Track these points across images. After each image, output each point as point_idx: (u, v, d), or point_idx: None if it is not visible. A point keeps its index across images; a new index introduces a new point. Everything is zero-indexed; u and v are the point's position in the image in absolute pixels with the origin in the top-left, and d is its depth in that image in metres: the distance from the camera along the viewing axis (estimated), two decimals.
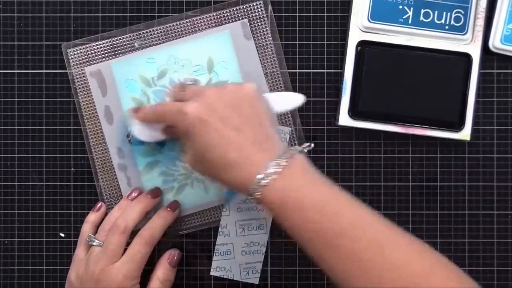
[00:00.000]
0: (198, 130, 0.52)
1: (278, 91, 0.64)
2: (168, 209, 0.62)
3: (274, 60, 0.64)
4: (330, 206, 0.50)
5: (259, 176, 0.50)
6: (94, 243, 0.60)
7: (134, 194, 0.63)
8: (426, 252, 0.49)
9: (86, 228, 0.62)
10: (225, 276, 0.63)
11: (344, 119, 0.63)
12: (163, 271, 0.62)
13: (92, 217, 0.63)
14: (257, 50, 0.64)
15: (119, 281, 0.57)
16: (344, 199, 0.51)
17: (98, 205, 0.64)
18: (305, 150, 0.53)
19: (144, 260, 0.59)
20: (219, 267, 0.62)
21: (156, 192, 0.63)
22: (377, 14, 0.63)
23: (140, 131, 0.61)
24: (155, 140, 0.61)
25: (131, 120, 0.62)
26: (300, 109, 0.64)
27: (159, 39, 0.64)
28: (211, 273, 0.62)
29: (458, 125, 0.63)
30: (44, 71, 0.65)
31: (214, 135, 0.52)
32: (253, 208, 0.63)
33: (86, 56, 0.64)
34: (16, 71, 0.65)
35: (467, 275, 0.49)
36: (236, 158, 0.51)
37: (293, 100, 0.59)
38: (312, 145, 0.55)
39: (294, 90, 0.64)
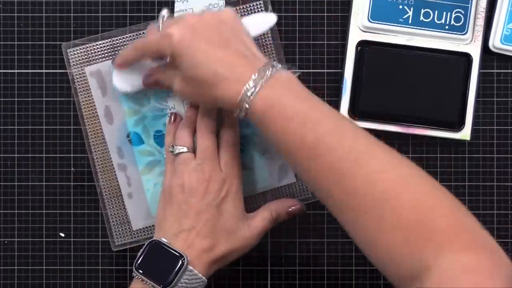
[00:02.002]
0: (185, 51, 0.53)
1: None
2: None
3: (274, 60, 0.64)
4: (311, 115, 0.51)
5: (246, 87, 0.51)
6: (183, 150, 0.59)
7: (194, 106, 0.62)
8: (402, 163, 0.50)
9: (169, 140, 0.61)
10: None
11: None
12: (278, 209, 0.60)
13: (172, 128, 0.62)
14: None
15: (229, 186, 0.57)
16: (325, 108, 0.52)
17: (173, 116, 0.62)
18: (293, 72, 0.55)
19: (239, 161, 0.59)
20: None
21: None
22: (377, 14, 0.63)
23: (121, 80, 0.61)
24: (136, 89, 0.61)
25: (112, 72, 0.62)
26: None
27: None
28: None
29: (458, 125, 0.63)
30: (44, 71, 0.65)
31: (200, 54, 0.53)
32: None
33: (86, 56, 0.64)
34: (16, 71, 0.65)
35: (444, 188, 0.49)
36: (223, 72, 0.53)
37: (266, 21, 0.61)
38: (298, 73, 0.57)
39: None
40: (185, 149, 0.58)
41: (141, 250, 0.56)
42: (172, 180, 0.58)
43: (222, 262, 0.57)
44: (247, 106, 0.52)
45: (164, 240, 0.56)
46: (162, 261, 0.55)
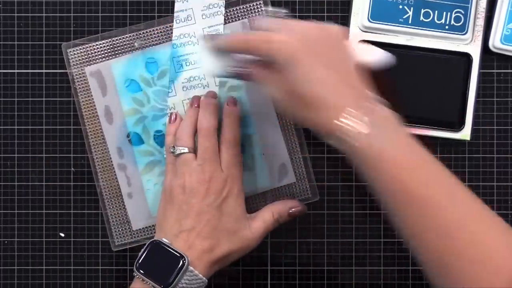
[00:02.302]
0: (290, 62, 0.50)
1: None
2: (231, 105, 0.61)
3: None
4: (421, 171, 0.49)
5: (346, 118, 0.49)
6: (184, 150, 0.58)
7: (195, 104, 0.61)
8: (507, 231, 0.49)
9: (170, 140, 0.61)
10: None
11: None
12: (279, 210, 0.60)
13: (172, 128, 0.61)
14: None
15: (230, 186, 0.57)
16: (435, 167, 0.50)
17: (173, 116, 0.62)
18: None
19: (241, 162, 0.59)
20: None
21: (214, 93, 0.62)
22: (377, 14, 0.63)
23: (213, 63, 0.57)
24: (226, 75, 0.58)
25: (203, 51, 0.59)
26: None
27: (159, 39, 0.64)
28: None
29: (458, 125, 0.63)
30: (44, 71, 0.65)
31: (306, 69, 0.50)
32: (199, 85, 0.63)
33: (86, 56, 0.64)
34: (16, 71, 0.65)
35: None
36: (327, 96, 0.50)
37: (378, 54, 0.58)
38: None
39: None
40: (186, 150, 0.58)
41: (142, 250, 0.56)
42: (173, 180, 0.58)
43: (223, 263, 0.57)
44: (350, 140, 0.49)
45: (165, 240, 0.56)
46: (162, 261, 0.55)
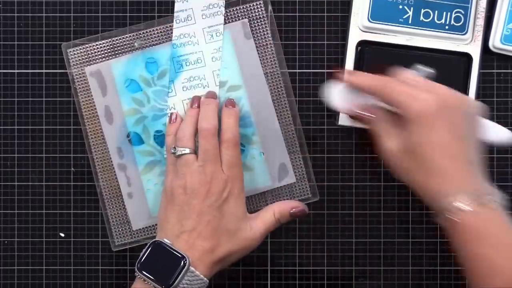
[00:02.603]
0: (423, 123, 0.51)
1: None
2: (230, 106, 0.61)
3: (274, 60, 0.64)
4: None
5: (460, 197, 0.50)
6: (185, 151, 0.58)
7: (195, 105, 0.61)
8: None
9: (170, 141, 0.61)
10: None
11: (344, 119, 0.63)
12: (280, 211, 0.60)
13: (173, 129, 0.61)
14: (257, 50, 0.64)
15: (231, 187, 0.57)
16: None
17: (173, 116, 0.62)
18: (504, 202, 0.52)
19: (240, 162, 0.59)
20: None
21: (214, 93, 0.62)
22: (377, 14, 0.63)
23: (339, 95, 0.58)
24: (343, 110, 0.59)
25: (330, 84, 0.59)
26: (300, 109, 0.64)
27: (159, 39, 0.64)
28: None
29: None
30: (44, 71, 0.65)
31: (438, 135, 0.51)
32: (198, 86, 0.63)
33: (86, 56, 0.64)
34: (16, 71, 0.65)
35: None
36: (447, 167, 0.50)
37: (502, 134, 0.58)
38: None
39: (294, 90, 0.64)
40: (187, 151, 0.58)
41: (144, 251, 0.56)
42: (173, 181, 0.58)
43: (224, 263, 0.57)
44: (455, 217, 0.50)
45: (166, 241, 0.56)
46: (164, 261, 0.55)
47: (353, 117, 0.60)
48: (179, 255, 0.55)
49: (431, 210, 0.52)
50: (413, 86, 0.53)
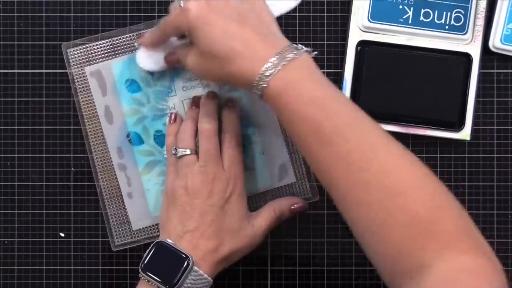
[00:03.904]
0: (201, 25, 0.52)
1: None
2: (230, 105, 0.61)
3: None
4: (330, 104, 0.50)
5: (264, 67, 0.50)
6: (186, 152, 0.58)
7: (196, 105, 0.62)
8: (415, 163, 0.50)
9: (171, 141, 0.61)
10: None
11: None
12: (281, 207, 0.60)
13: (173, 129, 0.62)
14: None
15: (233, 186, 0.57)
16: (344, 99, 0.52)
17: (173, 116, 0.62)
18: (311, 53, 0.53)
19: (242, 161, 0.59)
20: None
21: (214, 93, 0.62)
22: (377, 14, 0.63)
23: (146, 59, 0.61)
24: (161, 68, 0.61)
25: (136, 52, 0.62)
26: None
27: None
28: None
29: (458, 125, 0.63)
30: (44, 71, 0.65)
31: (217, 29, 0.52)
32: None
33: (86, 56, 0.64)
34: (16, 71, 0.65)
35: (451, 193, 0.49)
36: (241, 49, 0.51)
37: (289, 3, 0.59)
38: (315, 52, 0.54)
39: None
40: (188, 151, 0.58)
41: (147, 251, 0.56)
42: (175, 182, 0.58)
43: (227, 262, 0.57)
44: (264, 85, 0.51)
45: (169, 241, 0.56)
46: (167, 262, 0.55)
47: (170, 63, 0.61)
48: (183, 255, 0.55)
49: (248, 91, 0.53)
50: (177, 8, 0.55)
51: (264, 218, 0.59)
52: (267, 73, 0.50)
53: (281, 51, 0.51)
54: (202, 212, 0.56)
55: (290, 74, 0.51)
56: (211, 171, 0.57)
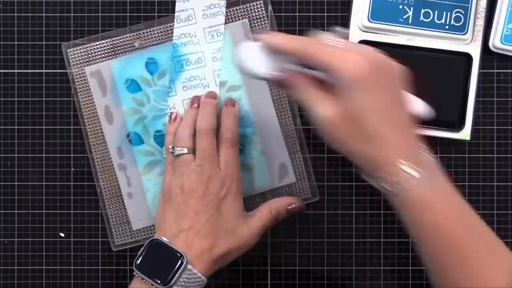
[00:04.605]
0: (358, 87, 0.47)
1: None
2: (230, 106, 0.61)
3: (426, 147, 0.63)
4: (459, 219, 0.50)
5: (404, 163, 0.48)
6: (183, 151, 0.58)
7: (195, 104, 0.61)
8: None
9: (169, 140, 0.61)
10: None
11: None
12: (277, 207, 0.60)
13: (172, 128, 0.62)
14: None
15: (228, 186, 0.57)
16: (471, 215, 0.51)
17: (173, 115, 0.63)
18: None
19: (238, 161, 0.59)
20: None
21: (214, 93, 0.62)
22: (377, 14, 0.63)
23: (255, 58, 0.50)
24: (261, 75, 0.51)
25: (244, 44, 0.52)
26: (300, 109, 0.64)
27: (159, 39, 0.64)
28: None
29: (458, 125, 0.63)
30: (44, 71, 0.65)
31: (376, 101, 0.47)
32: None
33: (86, 56, 0.64)
34: (16, 71, 0.65)
35: None
36: (391, 135, 0.48)
37: (420, 105, 0.55)
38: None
39: None
40: (185, 150, 0.58)
41: (142, 249, 0.56)
42: (171, 181, 0.58)
43: (223, 262, 0.57)
44: (406, 187, 0.48)
45: (164, 239, 0.56)
46: (162, 260, 0.55)
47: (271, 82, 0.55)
48: (177, 254, 0.55)
49: (371, 178, 0.50)
50: (340, 48, 0.48)
51: (259, 218, 0.59)
52: (405, 170, 0.48)
53: (421, 150, 0.50)
54: (197, 211, 0.56)
55: (430, 180, 0.49)
56: (207, 170, 0.57)
